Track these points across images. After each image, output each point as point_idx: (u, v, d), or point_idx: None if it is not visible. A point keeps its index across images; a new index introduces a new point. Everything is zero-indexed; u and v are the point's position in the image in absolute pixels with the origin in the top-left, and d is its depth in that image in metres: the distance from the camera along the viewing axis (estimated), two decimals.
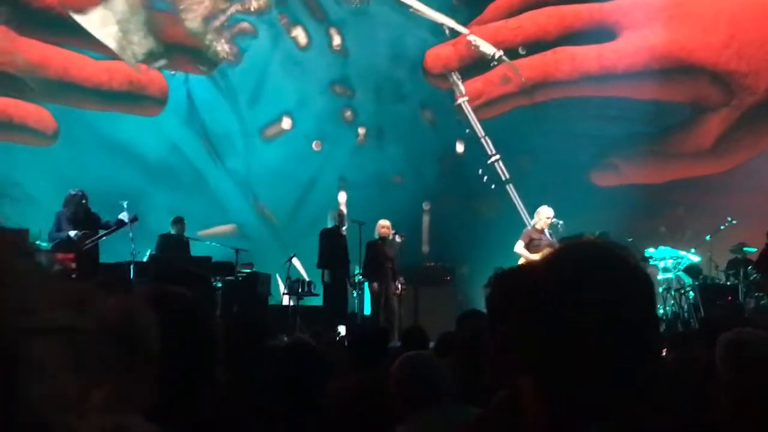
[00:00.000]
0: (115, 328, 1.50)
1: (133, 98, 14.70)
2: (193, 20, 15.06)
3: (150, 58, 14.88)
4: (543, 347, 1.37)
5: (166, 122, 15.10)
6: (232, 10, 15.32)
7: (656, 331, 1.43)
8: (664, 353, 4.94)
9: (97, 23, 14.43)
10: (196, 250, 12.78)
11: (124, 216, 11.37)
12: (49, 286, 0.78)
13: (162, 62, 14.91)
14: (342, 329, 11.56)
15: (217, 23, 15.23)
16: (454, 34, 15.98)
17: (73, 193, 11.30)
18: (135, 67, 14.69)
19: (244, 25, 15.54)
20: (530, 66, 15.74)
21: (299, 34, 15.82)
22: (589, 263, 1.40)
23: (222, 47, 15.31)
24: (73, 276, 9.75)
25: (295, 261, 13.26)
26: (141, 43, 14.73)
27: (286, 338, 7.99)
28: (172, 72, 15.13)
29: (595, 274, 1.37)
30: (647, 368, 1.36)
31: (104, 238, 11.34)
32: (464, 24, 15.98)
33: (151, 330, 1.58)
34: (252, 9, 15.42)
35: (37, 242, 11.34)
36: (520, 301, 1.48)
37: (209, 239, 13.52)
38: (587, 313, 1.34)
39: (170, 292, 1.74)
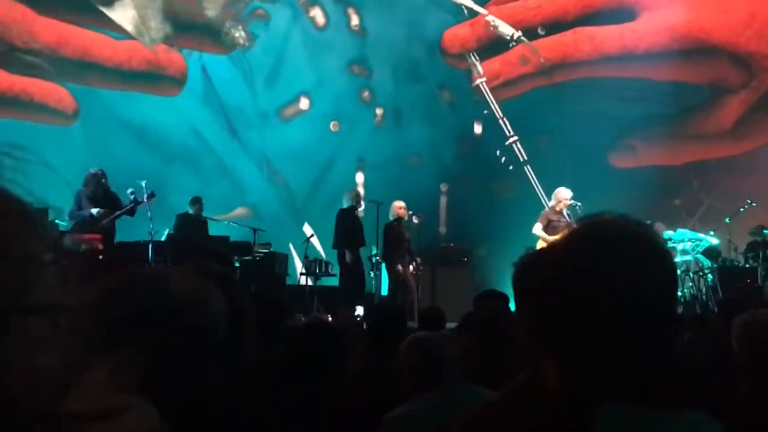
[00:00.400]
0: (186, 309, 1.49)
1: (153, 78, 14.76)
2: (212, 9, 15.09)
3: (166, 42, 14.93)
4: (563, 327, 1.37)
5: (185, 103, 15.13)
6: None
7: (675, 309, 1.43)
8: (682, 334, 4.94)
9: (116, 7, 14.48)
10: (214, 230, 12.83)
11: (140, 194, 11.43)
12: (49, 264, 0.77)
13: (174, 39, 14.95)
14: (360, 309, 11.59)
15: (234, 11, 15.24)
16: (473, 14, 15.90)
17: (93, 172, 11.35)
18: (152, 49, 14.72)
19: (261, 12, 15.54)
20: (549, 46, 15.65)
21: (317, 14, 15.79)
22: (609, 241, 1.39)
23: (240, 34, 15.32)
24: (100, 256, 9.82)
25: (315, 240, 13.30)
26: (158, 28, 14.76)
27: (303, 318, 8.04)
28: (189, 53, 15.17)
29: (615, 252, 1.36)
30: (667, 348, 1.36)
31: (123, 216, 11.39)
32: (482, 4, 15.89)
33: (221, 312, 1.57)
34: None
35: (56, 221, 11.48)
36: (543, 281, 1.48)
37: (228, 220, 13.55)
38: (606, 291, 1.34)
39: (210, 268, 1.74)
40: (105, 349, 1.27)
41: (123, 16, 14.51)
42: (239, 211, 15.12)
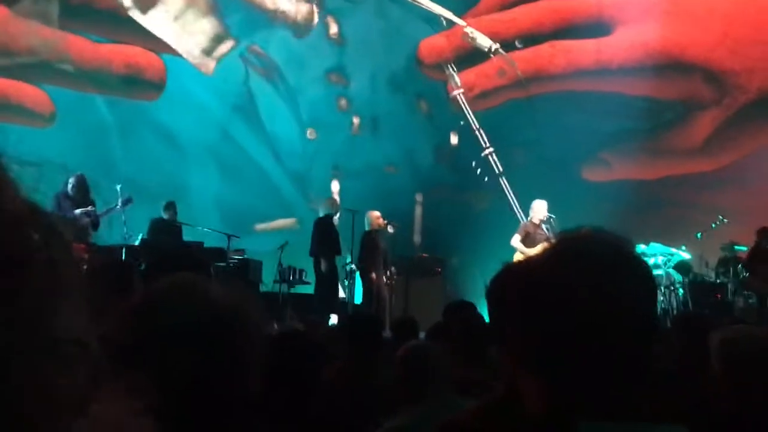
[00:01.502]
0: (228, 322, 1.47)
1: (132, 83, 14.68)
2: None
3: (215, 43, 14.92)
4: (545, 341, 1.39)
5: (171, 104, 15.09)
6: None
7: (655, 324, 1.45)
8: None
9: (155, 21, 14.51)
10: (188, 235, 12.76)
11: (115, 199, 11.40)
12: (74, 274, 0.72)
13: (230, 44, 14.97)
14: (334, 318, 11.58)
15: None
16: (451, 25, 15.97)
17: (75, 175, 11.30)
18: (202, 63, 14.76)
19: None
20: (525, 59, 15.76)
21: (298, 22, 15.79)
22: (591, 256, 1.41)
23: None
24: (84, 268, 9.73)
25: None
26: (202, 32, 14.79)
27: (276, 326, 8.01)
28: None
29: (597, 268, 1.38)
30: (647, 361, 1.38)
31: (103, 217, 11.33)
32: (459, 15, 15.97)
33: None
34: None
35: None
36: (525, 294, 1.49)
37: (200, 225, 13.48)
38: (589, 305, 1.35)
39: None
40: (130, 365, 1.26)
41: (163, 28, 14.56)
42: (282, 222, 15.09)
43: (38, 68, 14.06)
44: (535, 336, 1.42)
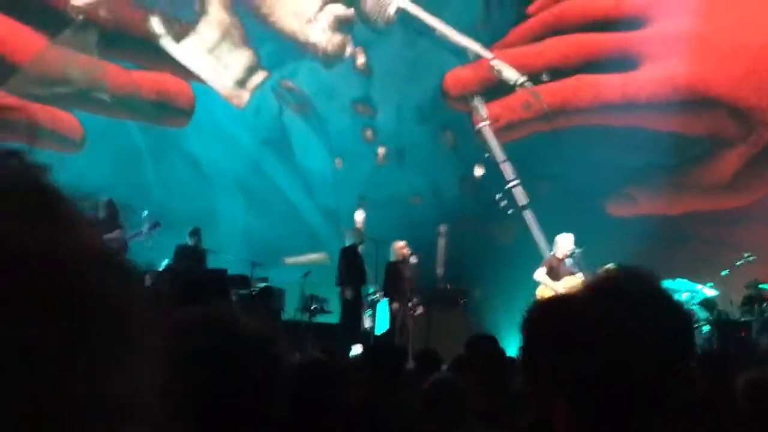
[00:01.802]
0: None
1: (161, 109, 14.83)
2: None
3: (249, 74, 15.08)
4: (573, 375, 1.40)
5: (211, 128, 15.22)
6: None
7: (691, 364, 1.47)
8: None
9: (189, 53, 14.70)
10: (213, 262, 12.83)
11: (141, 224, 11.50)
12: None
13: (262, 76, 15.12)
14: (357, 348, 11.57)
15: None
16: (478, 57, 16.05)
17: (100, 201, 11.40)
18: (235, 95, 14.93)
19: None
20: (551, 92, 15.79)
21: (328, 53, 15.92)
22: (620, 295, 1.43)
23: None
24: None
25: None
26: (237, 63, 14.96)
27: (297, 355, 8.02)
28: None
29: (638, 308, 1.40)
30: (678, 399, 1.39)
31: (132, 241, 11.41)
32: (487, 47, 16.04)
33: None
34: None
35: None
36: (562, 330, 1.52)
37: (225, 252, 13.53)
38: (613, 344, 1.37)
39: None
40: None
41: (197, 61, 14.75)
42: (313, 256, 15.14)
43: (73, 95, 14.24)
44: (565, 370, 1.44)
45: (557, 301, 2.11)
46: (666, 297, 1.50)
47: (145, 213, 11.75)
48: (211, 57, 14.95)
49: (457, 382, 3.60)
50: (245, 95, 15.35)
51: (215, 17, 14.93)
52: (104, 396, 0.58)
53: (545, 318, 1.93)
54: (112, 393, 0.58)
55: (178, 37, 14.75)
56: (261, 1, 15.20)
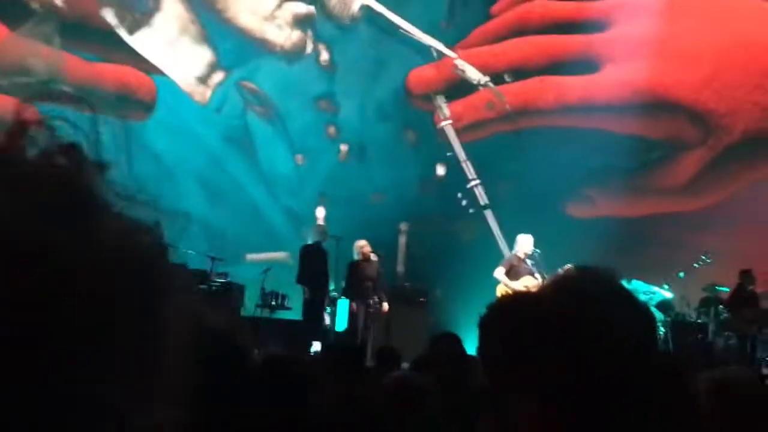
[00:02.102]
0: None
1: (122, 102, 14.65)
2: None
3: (210, 71, 14.91)
4: (551, 374, 1.40)
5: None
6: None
7: (652, 356, 1.47)
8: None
9: (146, 45, 14.52)
10: (172, 256, 12.66)
11: None
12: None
13: (222, 74, 14.97)
14: (317, 345, 11.54)
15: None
16: (442, 56, 16.07)
17: None
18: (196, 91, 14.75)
19: None
20: (514, 92, 15.87)
21: (298, 50, 15.84)
22: (597, 295, 1.43)
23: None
24: None
25: None
26: (197, 59, 14.79)
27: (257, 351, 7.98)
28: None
29: (604, 306, 1.40)
30: (647, 396, 1.39)
31: None
32: (450, 47, 16.08)
33: None
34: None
35: None
36: (522, 330, 1.51)
37: (184, 247, 13.40)
38: (586, 341, 1.37)
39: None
40: None
41: (155, 52, 14.56)
42: (275, 254, 15.02)
43: (34, 87, 14.01)
44: (531, 369, 1.43)
45: (518, 298, 2.10)
46: (629, 296, 1.51)
47: None
48: (171, 51, 14.81)
49: (419, 379, 3.59)
50: (207, 92, 15.22)
51: (173, 11, 14.78)
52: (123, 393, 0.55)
53: (506, 316, 1.92)
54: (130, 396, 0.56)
55: (132, 29, 14.56)
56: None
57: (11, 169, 0.57)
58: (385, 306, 12.72)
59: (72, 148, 0.60)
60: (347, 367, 4.60)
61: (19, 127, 0.62)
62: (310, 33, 15.70)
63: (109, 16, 14.42)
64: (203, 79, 15.10)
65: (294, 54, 15.59)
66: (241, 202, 15.36)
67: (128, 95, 14.70)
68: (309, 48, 15.71)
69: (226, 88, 15.40)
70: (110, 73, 14.55)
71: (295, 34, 15.53)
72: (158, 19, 14.69)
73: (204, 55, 15.07)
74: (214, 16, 15.07)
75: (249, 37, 15.27)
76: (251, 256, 14.77)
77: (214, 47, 15.16)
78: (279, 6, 15.32)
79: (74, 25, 14.26)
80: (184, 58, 14.92)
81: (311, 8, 15.58)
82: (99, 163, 0.60)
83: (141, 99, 14.80)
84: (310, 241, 12.59)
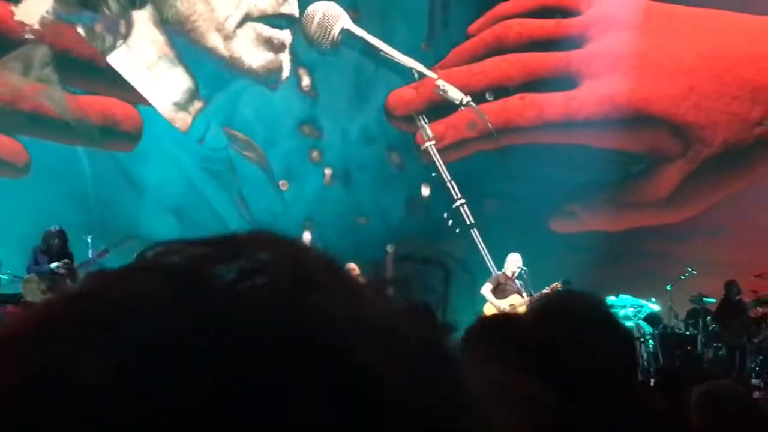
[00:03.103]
0: None
1: (108, 134, 14.63)
2: None
3: (189, 98, 14.90)
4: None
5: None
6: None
7: (635, 383, 1.49)
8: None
9: (127, 66, 14.52)
10: None
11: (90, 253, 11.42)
12: None
13: (202, 102, 14.97)
14: None
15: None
16: (422, 77, 16.13)
17: (51, 230, 11.30)
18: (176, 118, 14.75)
19: None
20: (495, 111, 15.92)
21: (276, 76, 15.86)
22: (579, 319, 1.45)
23: None
24: None
25: None
26: (175, 84, 14.78)
27: None
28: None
29: (585, 330, 1.42)
30: (630, 418, 1.41)
31: (81, 269, 11.28)
32: (428, 67, 16.14)
33: None
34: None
35: None
36: (509, 350, 1.53)
37: None
38: (579, 368, 1.39)
39: None
40: None
41: (137, 78, 14.56)
42: None
43: (15, 118, 14.01)
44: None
45: (500, 320, 2.12)
46: (611, 319, 1.53)
47: (89, 238, 11.61)
48: (150, 75, 14.79)
49: None
50: (188, 118, 15.20)
51: (149, 36, 14.77)
52: None
53: (488, 337, 1.93)
54: None
55: (108, 51, 14.52)
56: (185, 17, 15.06)
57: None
58: None
59: (427, 310, 0.56)
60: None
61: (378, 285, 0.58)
62: (283, 55, 15.68)
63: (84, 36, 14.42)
64: (182, 106, 15.07)
65: (268, 78, 15.59)
66: (219, 230, 15.27)
67: (113, 127, 14.69)
68: (285, 70, 15.69)
69: (208, 116, 15.39)
70: (95, 105, 14.55)
71: (264, 55, 15.50)
72: (136, 43, 14.67)
73: (182, 82, 15.06)
74: (186, 39, 15.06)
75: (218, 57, 15.25)
76: None
77: (192, 73, 15.15)
78: (240, 25, 15.29)
79: (58, 57, 14.25)
80: (163, 84, 14.91)
81: (281, 32, 15.55)
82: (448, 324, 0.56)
83: (126, 131, 14.78)
84: None
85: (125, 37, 14.52)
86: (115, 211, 14.29)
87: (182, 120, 15.13)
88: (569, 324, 1.48)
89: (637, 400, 1.48)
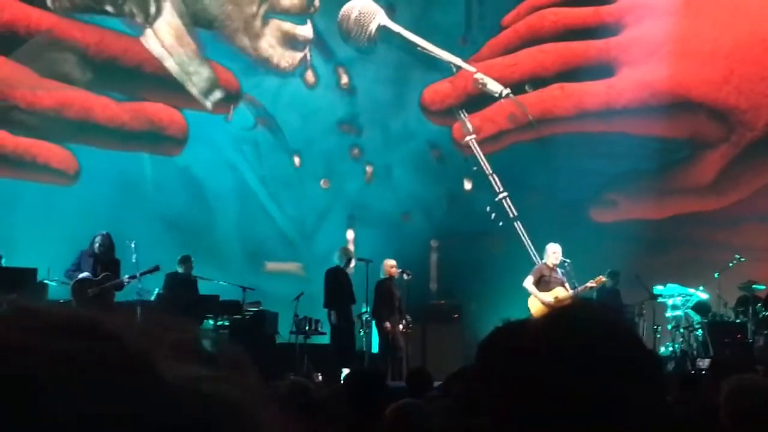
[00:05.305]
0: None
1: (154, 138, 14.86)
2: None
3: (209, 85, 15.11)
4: (530, 410, 1.40)
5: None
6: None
7: (647, 398, 1.45)
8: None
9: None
10: (204, 288, 12.82)
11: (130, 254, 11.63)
12: None
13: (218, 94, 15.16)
14: (346, 371, 11.53)
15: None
16: (460, 71, 16.08)
17: (100, 234, 11.48)
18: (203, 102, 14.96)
19: None
20: (533, 102, 15.83)
21: (308, 73, 15.94)
22: (587, 333, 1.43)
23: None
24: None
25: None
26: (198, 72, 15.01)
27: (292, 377, 8.02)
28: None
29: (595, 342, 1.40)
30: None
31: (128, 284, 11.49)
32: (465, 61, 16.07)
33: None
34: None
35: (45, 280, 11.57)
36: (514, 361, 1.51)
37: (217, 278, 13.46)
38: (582, 381, 1.37)
39: None
40: None
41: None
42: (289, 265, 15.26)
43: (64, 127, 14.30)
44: (521, 404, 1.44)
45: (514, 328, 2.11)
46: (625, 332, 1.50)
47: (133, 243, 11.76)
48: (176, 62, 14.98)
49: (416, 406, 3.59)
50: (230, 108, 15.39)
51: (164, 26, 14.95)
52: None
53: (499, 346, 1.92)
54: None
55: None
56: (213, 16, 15.24)
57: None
58: (407, 326, 12.73)
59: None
60: (368, 395, 4.58)
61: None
62: (305, 53, 15.75)
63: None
64: (207, 93, 15.22)
65: (292, 72, 15.69)
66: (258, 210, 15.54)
67: (160, 131, 14.91)
68: (308, 70, 15.78)
69: (248, 108, 15.57)
70: (141, 111, 14.78)
71: (289, 53, 15.60)
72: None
73: (206, 71, 15.24)
74: (216, 36, 15.30)
75: (245, 54, 15.41)
76: (271, 265, 14.91)
77: (225, 68, 15.32)
78: (265, 23, 15.42)
79: (101, 66, 14.51)
80: (187, 71, 15.09)
81: (302, 27, 15.64)
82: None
83: (173, 135, 15.00)
84: (335, 264, 12.66)
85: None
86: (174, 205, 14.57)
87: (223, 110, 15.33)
88: (576, 333, 1.45)
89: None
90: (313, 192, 15.78)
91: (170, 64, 14.86)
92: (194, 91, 15.04)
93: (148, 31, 14.72)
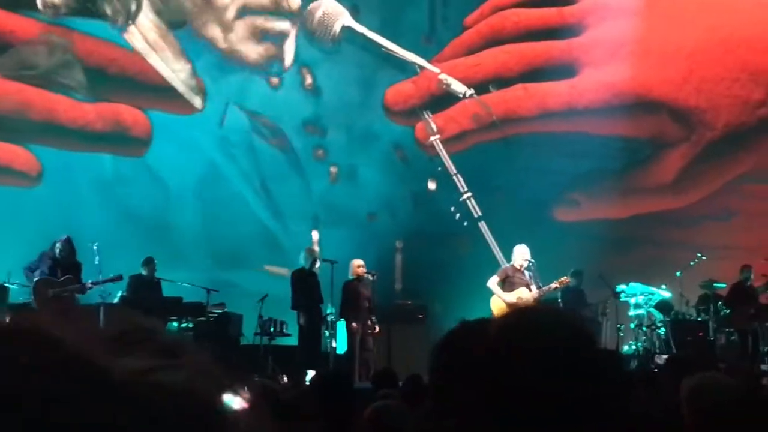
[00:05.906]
0: None
1: (118, 139, 14.71)
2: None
3: (194, 83, 14.98)
4: (496, 412, 1.40)
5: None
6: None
7: (609, 399, 1.44)
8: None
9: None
10: (168, 291, 12.72)
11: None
12: None
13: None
14: (311, 373, 11.49)
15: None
16: (421, 71, 16.10)
17: (60, 239, 11.37)
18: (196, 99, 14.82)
19: None
20: (496, 102, 15.89)
21: (273, 75, 15.86)
22: (547, 335, 1.43)
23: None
24: None
25: None
26: (184, 69, 14.90)
27: (256, 379, 7.98)
28: None
29: (553, 348, 1.40)
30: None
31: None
32: (428, 61, 16.10)
33: None
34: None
35: (5, 283, 11.43)
36: (475, 362, 1.51)
37: (181, 280, 13.36)
38: (545, 383, 1.37)
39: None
40: None
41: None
42: (281, 270, 15.14)
43: (25, 127, 14.12)
44: (478, 405, 1.43)
45: (472, 328, 2.11)
46: (584, 333, 1.50)
47: (96, 245, 11.65)
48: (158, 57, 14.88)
49: (393, 407, 3.58)
50: (197, 100, 15.26)
51: (147, 23, 14.83)
52: None
53: (456, 346, 1.92)
54: None
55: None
56: (186, 9, 15.15)
57: None
58: (376, 327, 12.71)
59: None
60: (335, 396, 4.58)
61: None
62: (277, 46, 15.67)
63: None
64: (191, 88, 15.13)
65: (264, 68, 15.61)
66: (239, 213, 15.41)
67: (123, 132, 14.77)
68: (287, 63, 15.70)
69: (223, 103, 15.47)
70: (104, 112, 14.63)
71: (261, 48, 15.52)
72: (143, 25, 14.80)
73: (184, 67, 15.14)
74: (190, 32, 15.20)
75: (218, 50, 15.33)
76: (270, 268, 14.90)
77: (191, 62, 15.21)
78: (237, 17, 15.34)
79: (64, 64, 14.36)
80: (170, 67, 14.99)
81: (277, 23, 15.56)
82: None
83: (137, 135, 14.86)
84: (301, 265, 12.63)
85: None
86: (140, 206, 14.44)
87: (196, 100, 15.22)
88: (535, 333, 1.45)
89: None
90: (277, 192, 15.72)
91: (155, 61, 14.74)
92: (182, 88, 14.94)
93: (132, 28, 14.59)
